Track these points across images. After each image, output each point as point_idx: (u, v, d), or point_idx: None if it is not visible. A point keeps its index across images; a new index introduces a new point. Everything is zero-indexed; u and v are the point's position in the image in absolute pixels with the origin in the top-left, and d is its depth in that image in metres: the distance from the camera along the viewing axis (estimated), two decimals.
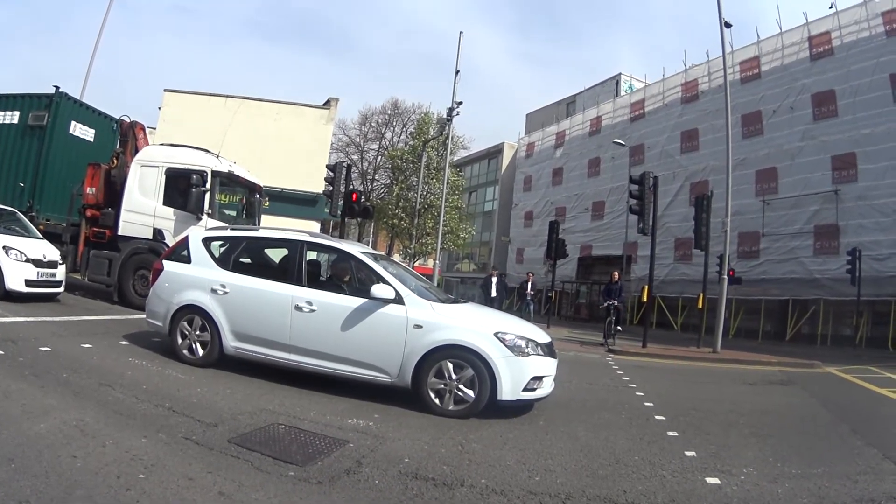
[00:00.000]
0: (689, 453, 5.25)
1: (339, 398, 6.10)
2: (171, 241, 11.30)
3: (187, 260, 7.35)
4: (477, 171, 56.79)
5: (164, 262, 7.61)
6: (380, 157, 47.47)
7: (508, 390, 5.87)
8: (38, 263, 10.63)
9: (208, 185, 11.88)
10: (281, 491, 3.57)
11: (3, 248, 10.28)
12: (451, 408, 5.89)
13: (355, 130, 49.34)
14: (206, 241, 7.48)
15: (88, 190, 13.02)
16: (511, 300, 21.17)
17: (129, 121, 13.89)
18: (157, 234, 11.95)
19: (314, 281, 6.90)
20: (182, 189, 11.82)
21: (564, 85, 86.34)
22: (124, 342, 7.96)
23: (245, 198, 13.74)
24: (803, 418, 7.76)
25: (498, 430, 5.54)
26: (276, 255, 7.75)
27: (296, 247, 6.93)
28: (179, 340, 7.05)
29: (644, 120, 35.43)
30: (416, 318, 6.11)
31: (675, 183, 31.18)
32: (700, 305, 18.00)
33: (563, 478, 4.36)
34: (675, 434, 6.02)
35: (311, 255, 7.17)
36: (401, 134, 47.57)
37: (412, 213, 33.13)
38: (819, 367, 14.52)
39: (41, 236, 11.76)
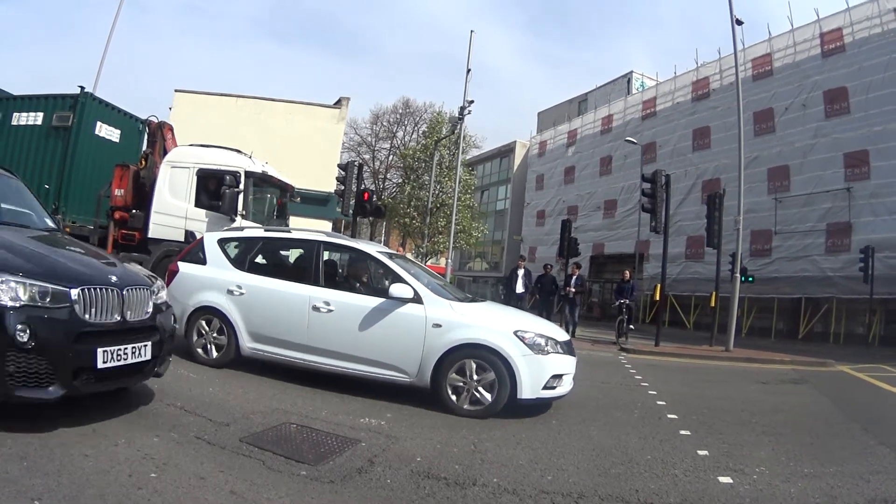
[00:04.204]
0: (701, 452, 5.24)
1: (351, 397, 6.13)
2: None
3: (203, 261, 7.34)
4: (489, 170, 56.70)
5: (180, 263, 7.59)
6: (391, 157, 47.61)
7: (528, 389, 5.86)
8: None
9: (241, 186, 11.67)
10: (293, 490, 3.59)
11: None
12: (466, 406, 5.89)
13: (367, 130, 49.61)
14: (222, 243, 7.47)
15: (117, 192, 12.71)
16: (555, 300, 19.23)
17: (157, 121, 13.73)
18: (189, 235, 11.68)
19: (331, 281, 6.90)
20: (214, 190, 11.61)
21: (576, 83, 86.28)
22: None
23: (277, 198, 13.50)
24: (816, 417, 7.71)
25: (511, 429, 5.54)
26: (291, 255, 7.76)
27: (312, 247, 6.95)
28: (195, 341, 7.06)
29: (656, 118, 35.30)
30: (434, 318, 6.10)
31: (687, 181, 31.01)
32: (713, 304, 17.86)
33: (575, 477, 4.36)
34: (688, 433, 6.00)
35: (327, 254, 7.18)
36: (412, 133, 47.74)
37: (424, 212, 33.11)
38: (832, 366, 14.41)
39: None
